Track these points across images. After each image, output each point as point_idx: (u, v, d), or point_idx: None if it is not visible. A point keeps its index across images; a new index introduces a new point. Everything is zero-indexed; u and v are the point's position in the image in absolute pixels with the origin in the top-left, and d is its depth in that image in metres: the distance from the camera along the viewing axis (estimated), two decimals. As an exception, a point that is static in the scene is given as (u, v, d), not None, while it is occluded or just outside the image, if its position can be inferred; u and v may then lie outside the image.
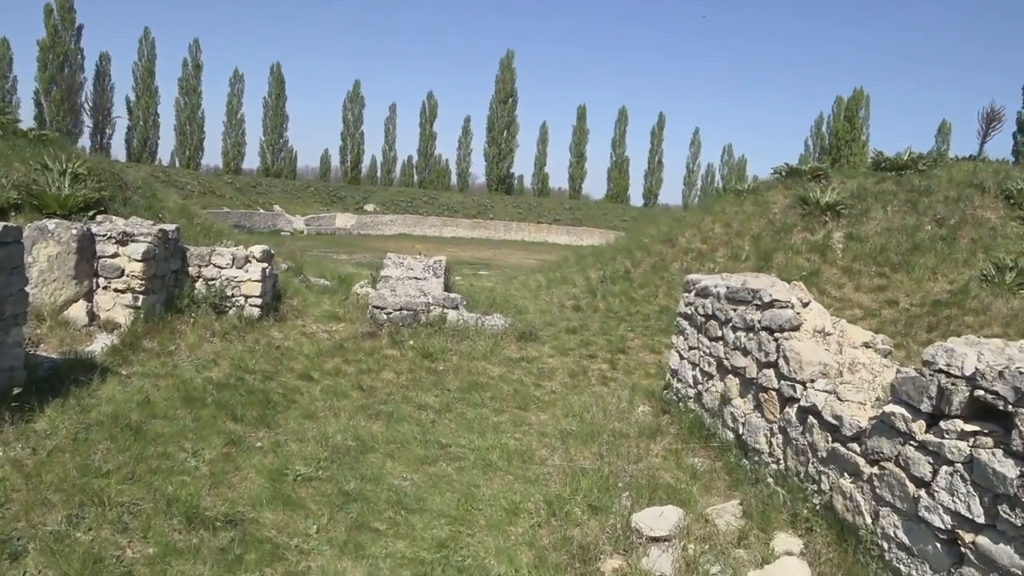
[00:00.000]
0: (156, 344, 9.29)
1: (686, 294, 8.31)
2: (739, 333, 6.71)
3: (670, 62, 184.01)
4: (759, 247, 14.37)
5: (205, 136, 67.60)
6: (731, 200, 16.46)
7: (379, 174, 75.76)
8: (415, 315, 11.12)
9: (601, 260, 16.03)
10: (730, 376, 6.85)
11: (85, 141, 63.23)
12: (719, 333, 7.23)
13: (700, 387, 7.65)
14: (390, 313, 11.07)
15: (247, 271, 10.64)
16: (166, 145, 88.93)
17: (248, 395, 8.13)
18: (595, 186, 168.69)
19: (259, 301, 10.65)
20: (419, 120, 75.10)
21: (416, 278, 12.24)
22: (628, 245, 16.26)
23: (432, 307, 11.23)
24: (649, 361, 10.60)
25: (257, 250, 10.88)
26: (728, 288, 7.12)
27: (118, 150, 67.62)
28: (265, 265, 10.84)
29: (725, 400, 6.92)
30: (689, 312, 8.15)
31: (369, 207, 63.08)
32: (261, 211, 58.04)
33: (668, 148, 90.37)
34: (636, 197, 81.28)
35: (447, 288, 12.55)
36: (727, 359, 6.94)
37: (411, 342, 10.58)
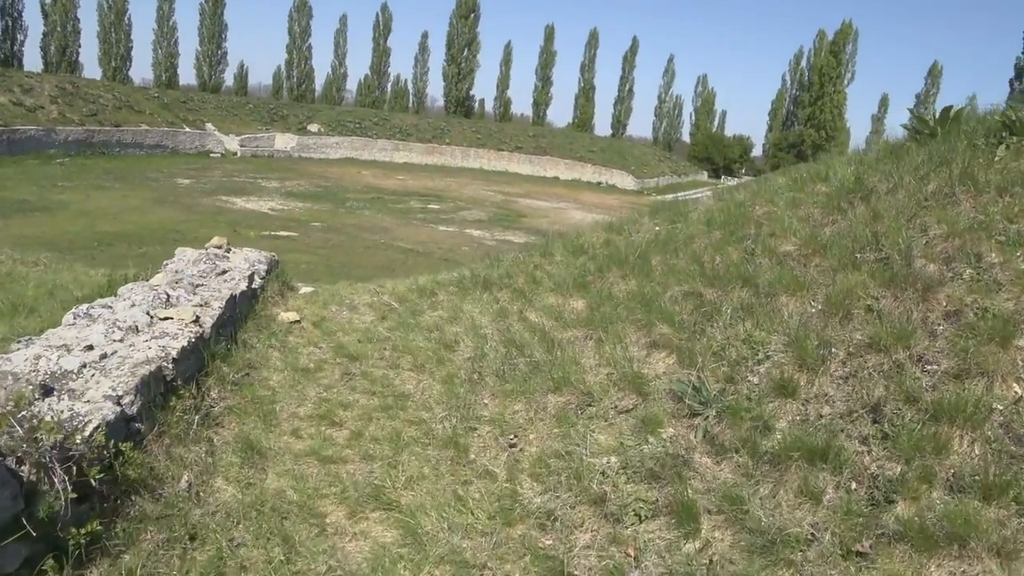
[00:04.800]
0: None
1: None
2: None
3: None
4: None
5: (133, 45, 54.17)
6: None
7: (330, 93, 63.09)
8: None
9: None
10: None
11: (-9, 47, 49.82)
12: None
13: None
14: None
15: None
16: (90, 55, 74.54)
17: None
18: (558, 113, 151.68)
19: None
20: (372, 35, 62.11)
21: None
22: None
23: None
24: None
25: None
26: None
27: (32, 59, 53.90)
28: None
29: None
30: None
31: (313, 128, 51.27)
32: (187, 130, 45.94)
33: (638, 76, 78.38)
34: (602, 127, 69.98)
35: None
36: None
37: None
